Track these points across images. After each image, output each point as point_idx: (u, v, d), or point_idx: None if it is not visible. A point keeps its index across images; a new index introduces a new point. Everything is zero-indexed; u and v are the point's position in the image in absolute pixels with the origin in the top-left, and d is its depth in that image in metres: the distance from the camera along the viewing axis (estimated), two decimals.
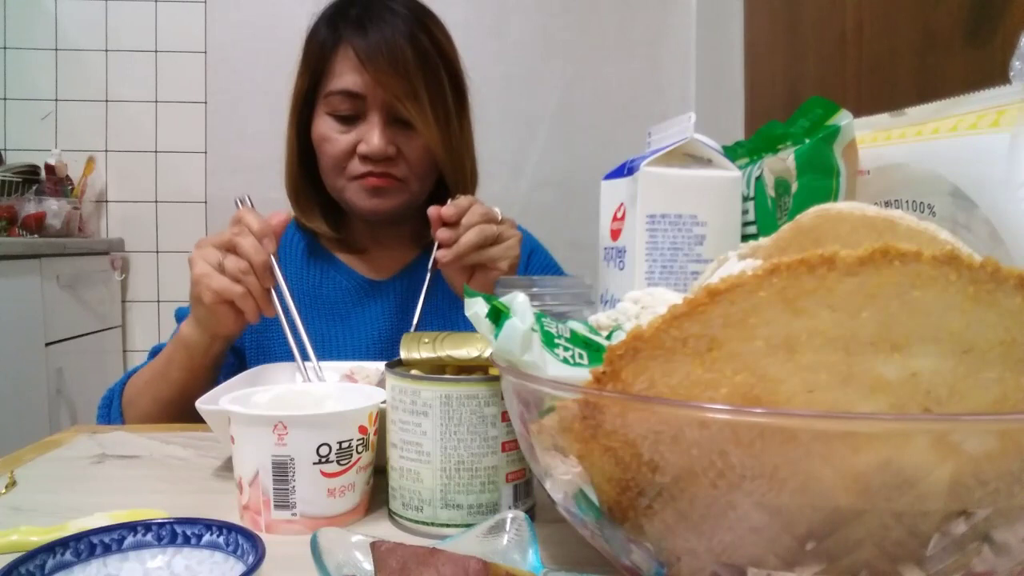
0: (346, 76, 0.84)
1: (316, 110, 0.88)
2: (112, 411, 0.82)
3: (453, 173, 0.90)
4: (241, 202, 0.75)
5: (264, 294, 0.70)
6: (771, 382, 0.26)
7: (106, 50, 2.11)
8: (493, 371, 0.47)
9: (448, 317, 0.93)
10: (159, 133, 2.13)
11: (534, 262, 1.01)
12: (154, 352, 0.89)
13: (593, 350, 0.37)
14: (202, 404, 0.52)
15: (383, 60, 0.82)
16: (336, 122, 0.86)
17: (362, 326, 0.93)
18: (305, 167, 0.92)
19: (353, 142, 0.85)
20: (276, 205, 1.13)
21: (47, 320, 1.72)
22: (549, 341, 0.36)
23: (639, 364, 0.27)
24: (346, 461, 0.46)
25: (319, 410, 0.47)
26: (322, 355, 0.74)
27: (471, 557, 0.31)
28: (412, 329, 0.82)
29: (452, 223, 0.76)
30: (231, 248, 0.70)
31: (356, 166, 0.86)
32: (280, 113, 0.93)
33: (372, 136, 0.84)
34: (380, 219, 0.91)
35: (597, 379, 0.28)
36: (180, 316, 0.92)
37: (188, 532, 0.38)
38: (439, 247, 0.77)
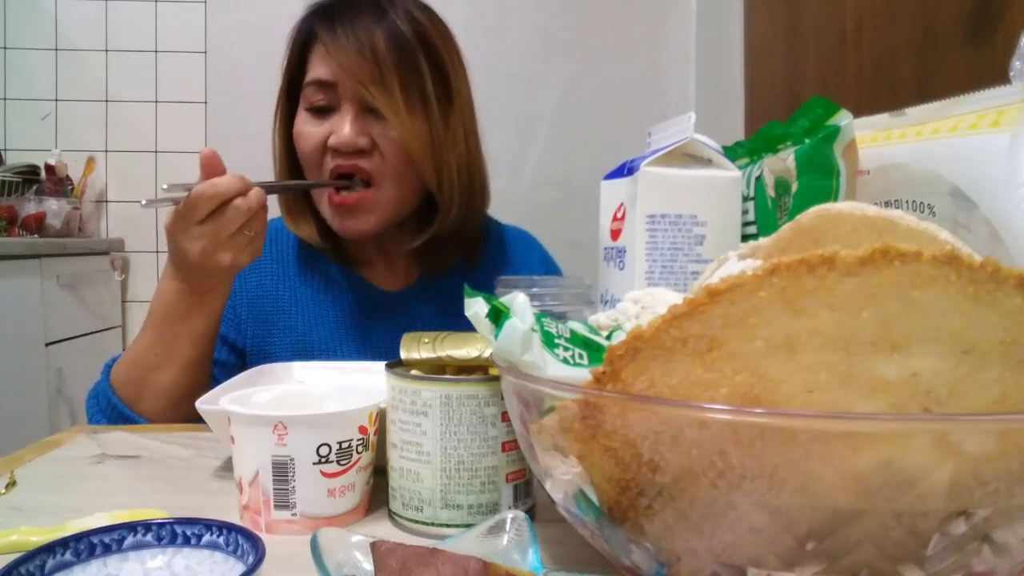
0: (317, 67, 0.82)
1: (297, 108, 0.85)
2: (101, 409, 0.77)
3: (434, 173, 0.83)
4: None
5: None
6: (771, 382, 0.26)
7: (106, 50, 2.11)
8: (493, 371, 0.47)
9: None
10: (159, 133, 2.13)
11: None
12: (108, 368, 0.81)
13: (593, 350, 0.37)
14: (202, 404, 0.52)
15: (349, 45, 0.79)
16: (311, 116, 0.83)
17: (367, 337, 0.90)
18: (292, 171, 0.88)
19: (325, 135, 0.81)
20: (276, 205, 1.13)
21: (47, 320, 1.72)
22: (549, 341, 0.36)
23: (639, 364, 0.27)
24: (346, 461, 0.46)
25: (319, 410, 0.47)
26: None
27: (471, 557, 0.31)
28: None
29: None
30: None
31: (329, 162, 0.82)
32: None
33: (342, 126, 0.80)
34: (360, 240, 0.87)
35: (597, 379, 0.28)
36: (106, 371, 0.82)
37: (188, 532, 0.38)
38: None
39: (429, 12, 0.86)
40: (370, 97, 0.79)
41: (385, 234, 0.89)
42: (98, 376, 0.80)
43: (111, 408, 0.77)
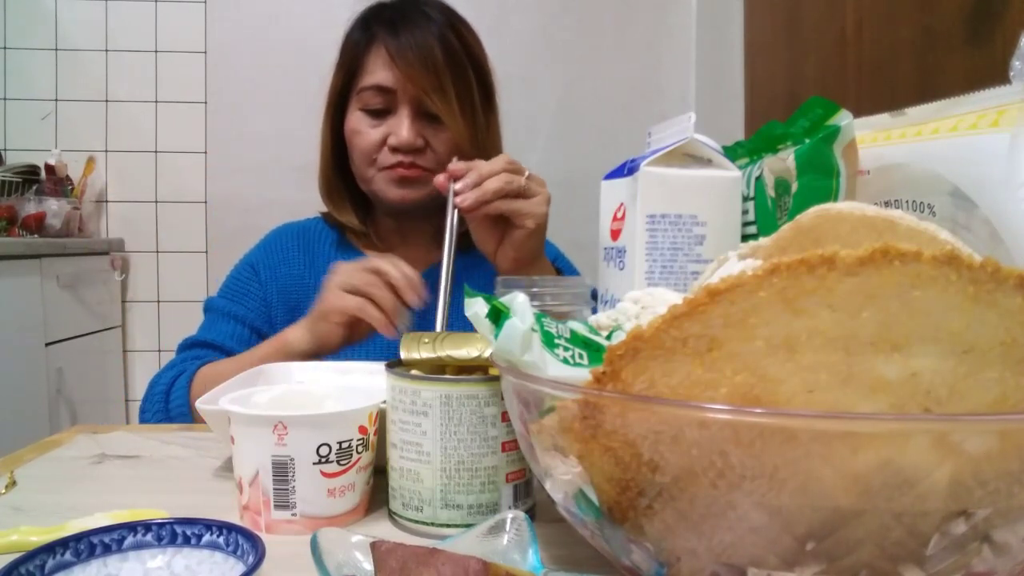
0: (378, 72, 0.89)
1: (349, 107, 0.93)
2: (172, 403, 0.82)
3: None
4: None
5: (395, 306, 0.70)
6: (771, 382, 0.26)
7: (106, 50, 2.10)
8: (493, 371, 0.47)
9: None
10: (159, 133, 2.13)
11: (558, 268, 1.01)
12: (184, 346, 0.90)
13: (593, 350, 0.37)
14: (202, 404, 0.52)
15: (413, 57, 0.87)
16: (368, 116, 0.91)
17: None
18: (338, 162, 0.97)
19: (383, 135, 0.90)
20: (276, 205, 1.14)
21: (47, 320, 1.72)
22: (549, 341, 0.36)
23: (639, 364, 0.27)
24: (346, 461, 0.46)
25: (319, 410, 0.47)
26: (345, 347, 0.75)
27: (471, 557, 0.31)
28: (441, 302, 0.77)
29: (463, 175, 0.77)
30: (372, 270, 0.72)
31: (386, 157, 0.90)
32: (280, 113, 0.94)
33: (401, 128, 0.88)
34: (407, 210, 0.93)
35: (597, 379, 0.28)
36: (208, 307, 0.94)
37: (188, 532, 0.38)
38: (456, 195, 0.76)
39: (463, 20, 0.95)
40: (431, 104, 0.87)
41: (411, 222, 0.98)
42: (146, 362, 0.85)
43: (165, 391, 0.82)
